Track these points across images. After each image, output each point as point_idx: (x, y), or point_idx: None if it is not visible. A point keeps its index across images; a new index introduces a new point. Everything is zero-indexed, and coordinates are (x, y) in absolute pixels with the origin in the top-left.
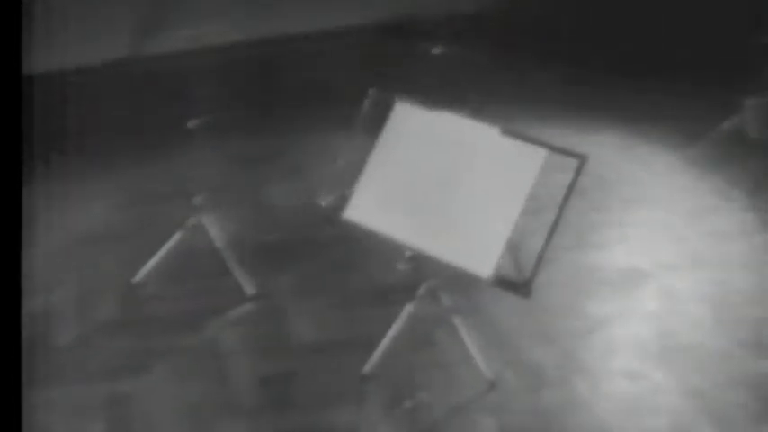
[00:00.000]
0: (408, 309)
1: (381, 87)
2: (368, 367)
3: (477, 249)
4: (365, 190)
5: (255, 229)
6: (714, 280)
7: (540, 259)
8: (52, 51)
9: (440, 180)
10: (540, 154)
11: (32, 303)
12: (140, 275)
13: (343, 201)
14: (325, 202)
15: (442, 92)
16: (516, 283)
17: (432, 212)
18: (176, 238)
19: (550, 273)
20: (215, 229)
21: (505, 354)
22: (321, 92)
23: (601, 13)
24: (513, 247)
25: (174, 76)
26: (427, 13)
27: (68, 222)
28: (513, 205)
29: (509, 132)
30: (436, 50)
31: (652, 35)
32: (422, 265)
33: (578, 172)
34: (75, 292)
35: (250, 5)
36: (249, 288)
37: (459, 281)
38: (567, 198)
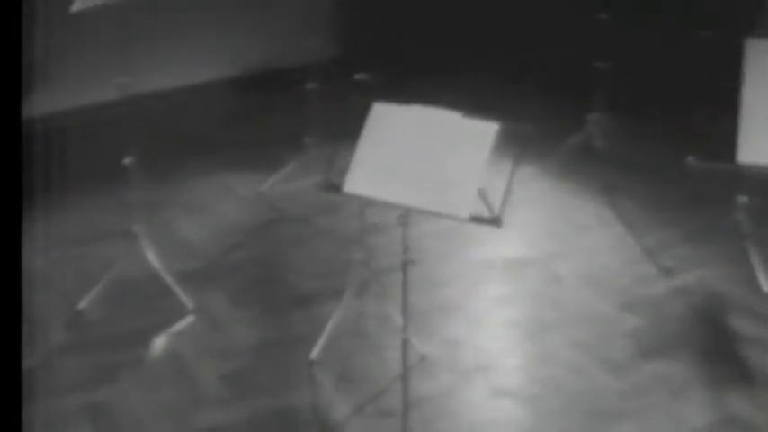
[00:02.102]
0: (345, 302)
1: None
2: (314, 354)
3: (454, 200)
4: (358, 168)
5: (176, 258)
6: (587, 261)
7: (505, 199)
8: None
9: (419, 153)
10: (493, 127)
11: None
12: (84, 303)
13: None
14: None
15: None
16: (488, 218)
17: (415, 178)
18: (116, 265)
19: (448, 267)
20: (150, 256)
21: (427, 331)
22: (205, 141)
23: (443, 48)
24: (482, 194)
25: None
26: (292, 61)
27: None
28: (479, 165)
29: (468, 116)
30: (310, 85)
31: (502, 61)
32: (407, 229)
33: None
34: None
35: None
36: (189, 303)
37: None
38: (517, 159)
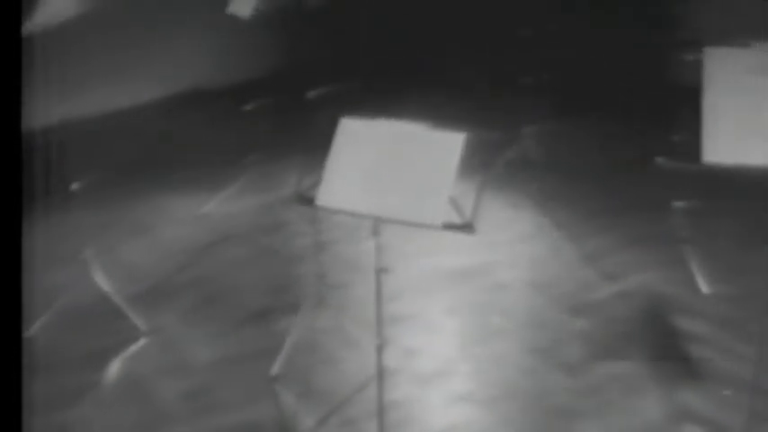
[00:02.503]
0: (301, 317)
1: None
2: (275, 369)
3: (427, 209)
4: (330, 181)
5: (123, 281)
6: (530, 269)
7: (476, 205)
8: None
9: (389, 165)
10: (461, 136)
11: None
12: (32, 330)
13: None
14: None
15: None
16: (461, 225)
17: (387, 189)
18: (66, 290)
19: (396, 279)
20: (99, 279)
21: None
22: (147, 163)
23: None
24: (453, 203)
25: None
26: (233, 79)
27: None
28: (449, 173)
29: (436, 127)
30: (251, 105)
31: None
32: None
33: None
34: None
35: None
36: (142, 325)
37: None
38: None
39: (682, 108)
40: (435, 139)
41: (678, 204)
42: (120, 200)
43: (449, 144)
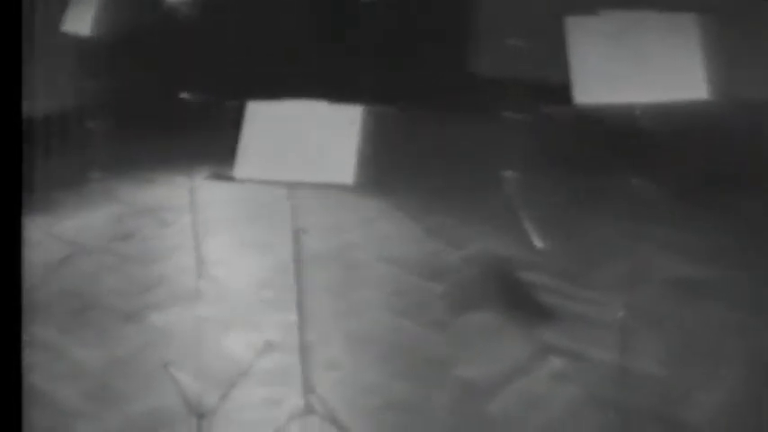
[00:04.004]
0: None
1: None
2: (167, 356)
3: (338, 171)
4: (244, 157)
5: None
6: (380, 247)
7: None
8: None
9: (298, 137)
10: (359, 108)
11: None
12: None
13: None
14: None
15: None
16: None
17: (299, 158)
18: None
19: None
20: None
21: (254, 324)
22: None
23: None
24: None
25: None
26: (71, 102)
27: None
28: (353, 138)
29: (334, 102)
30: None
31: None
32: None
33: None
34: None
35: None
36: (24, 338)
37: None
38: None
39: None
40: (336, 111)
41: (508, 174)
42: None
43: (349, 114)
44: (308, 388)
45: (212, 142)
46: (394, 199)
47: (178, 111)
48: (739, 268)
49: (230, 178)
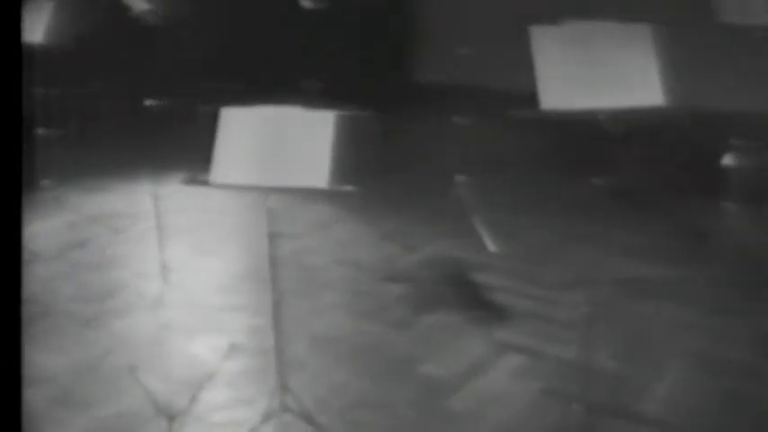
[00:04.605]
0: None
1: None
2: (132, 361)
3: (312, 175)
4: (221, 163)
5: None
6: (337, 251)
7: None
8: None
9: (273, 143)
10: (331, 114)
11: None
12: None
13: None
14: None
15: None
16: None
17: (275, 163)
18: None
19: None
20: None
21: (216, 327)
22: None
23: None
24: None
25: None
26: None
27: None
28: (327, 142)
29: (307, 107)
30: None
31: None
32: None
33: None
34: None
35: None
36: None
37: None
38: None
39: None
40: (310, 116)
41: (460, 178)
42: None
43: (322, 120)
44: (283, 387)
45: (176, 150)
46: (349, 204)
47: (141, 118)
48: (686, 269)
49: (205, 183)
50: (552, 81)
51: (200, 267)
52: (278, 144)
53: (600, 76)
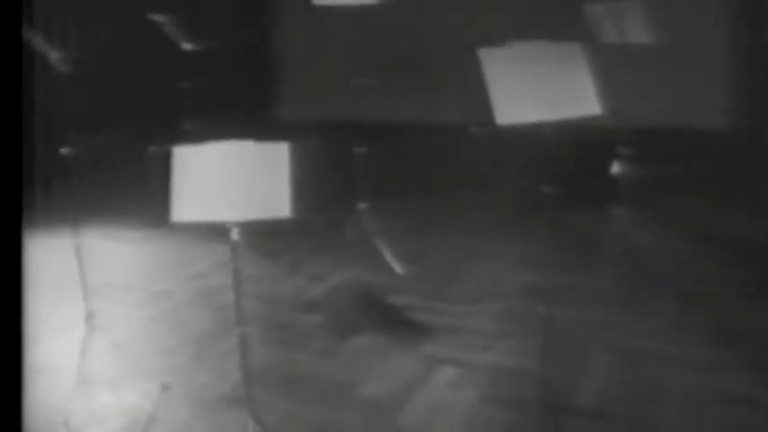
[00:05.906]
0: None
1: None
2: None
3: (272, 206)
4: (179, 200)
5: None
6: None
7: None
8: None
9: (229, 178)
10: (284, 145)
11: None
12: None
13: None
14: None
15: None
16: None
17: (235, 197)
18: None
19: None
20: None
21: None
22: None
23: None
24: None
25: None
26: None
27: None
28: (284, 172)
29: (258, 141)
30: None
31: None
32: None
33: None
34: None
35: None
36: None
37: None
38: None
39: None
40: (264, 149)
41: (362, 206)
42: None
43: (276, 152)
44: (257, 419)
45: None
46: (244, 239)
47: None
48: (584, 274)
49: (165, 222)
50: (504, 97)
51: (124, 314)
52: (236, 178)
53: (543, 91)
